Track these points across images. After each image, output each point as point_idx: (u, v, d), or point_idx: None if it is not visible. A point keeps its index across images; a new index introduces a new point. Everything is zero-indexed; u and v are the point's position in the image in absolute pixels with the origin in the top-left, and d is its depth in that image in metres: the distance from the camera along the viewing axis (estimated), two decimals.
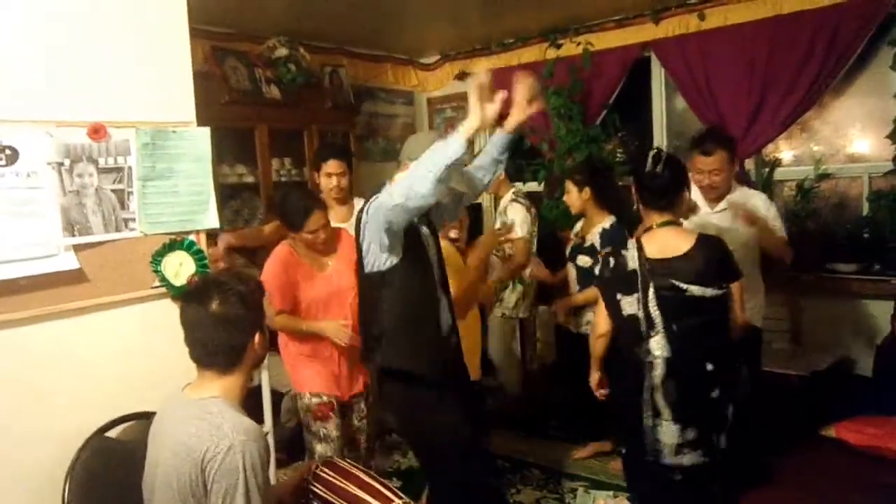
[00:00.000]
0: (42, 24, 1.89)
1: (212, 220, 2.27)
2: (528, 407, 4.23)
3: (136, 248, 2.09)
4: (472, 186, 2.54)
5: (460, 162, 1.91)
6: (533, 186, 4.95)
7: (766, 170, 4.18)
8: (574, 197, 3.41)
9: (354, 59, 5.01)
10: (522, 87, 2.28)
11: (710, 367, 2.32)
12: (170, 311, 2.17)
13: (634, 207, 2.55)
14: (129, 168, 2.06)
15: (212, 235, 2.66)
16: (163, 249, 2.14)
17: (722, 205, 3.02)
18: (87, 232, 1.97)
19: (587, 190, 3.36)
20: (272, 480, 2.39)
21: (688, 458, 2.34)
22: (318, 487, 1.93)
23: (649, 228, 2.42)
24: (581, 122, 4.67)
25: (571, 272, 3.49)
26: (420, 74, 5.57)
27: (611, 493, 3.18)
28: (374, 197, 2.18)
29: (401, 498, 1.87)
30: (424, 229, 2.36)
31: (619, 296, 2.41)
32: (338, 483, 1.90)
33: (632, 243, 2.44)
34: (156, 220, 2.13)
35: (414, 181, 1.94)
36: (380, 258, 2.23)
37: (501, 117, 2.10)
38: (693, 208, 2.95)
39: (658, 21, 4.35)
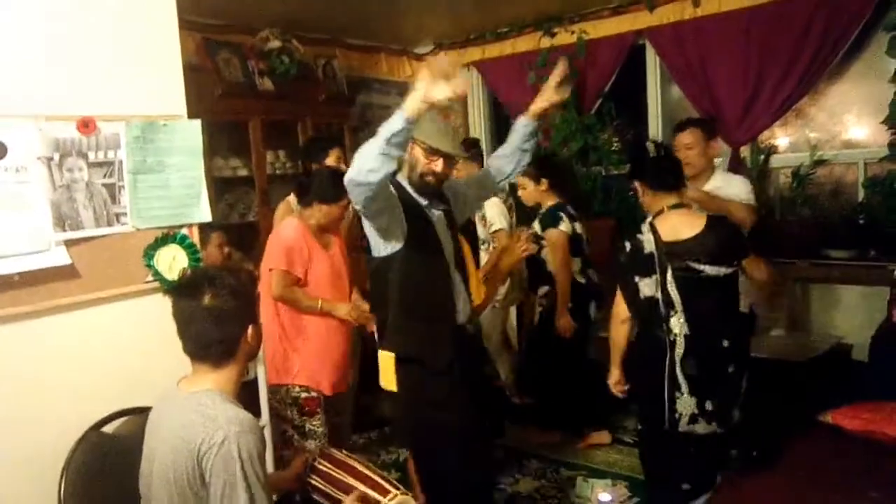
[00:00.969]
0: (30, 17, 1.87)
1: (204, 213, 2.25)
2: (523, 395, 4.24)
3: (128, 243, 2.08)
4: (494, 176, 2.54)
5: (402, 137, 1.92)
6: None
7: (762, 157, 4.17)
8: (530, 190, 3.61)
9: (348, 49, 4.98)
10: (556, 72, 2.31)
11: (725, 343, 2.45)
12: (163, 305, 2.14)
13: (640, 199, 2.65)
14: (120, 162, 2.04)
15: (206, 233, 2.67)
16: (155, 244, 2.12)
17: (707, 186, 3.12)
18: (79, 227, 1.96)
19: (544, 181, 3.56)
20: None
21: (701, 427, 2.46)
22: (316, 480, 1.92)
23: (660, 212, 2.52)
24: (576, 110, 4.66)
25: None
26: (414, 64, 5.53)
27: (609, 481, 3.19)
28: None
29: (399, 489, 1.86)
30: (436, 214, 2.34)
31: (636, 278, 2.51)
32: (336, 475, 1.90)
33: (646, 227, 2.52)
34: (147, 214, 2.11)
35: (361, 158, 1.96)
36: (379, 243, 2.24)
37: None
38: None
39: (653, 8, 4.33)
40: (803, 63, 3.84)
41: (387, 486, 1.87)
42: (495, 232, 3.86)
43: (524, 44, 4.92)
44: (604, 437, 3.67)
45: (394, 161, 1.98)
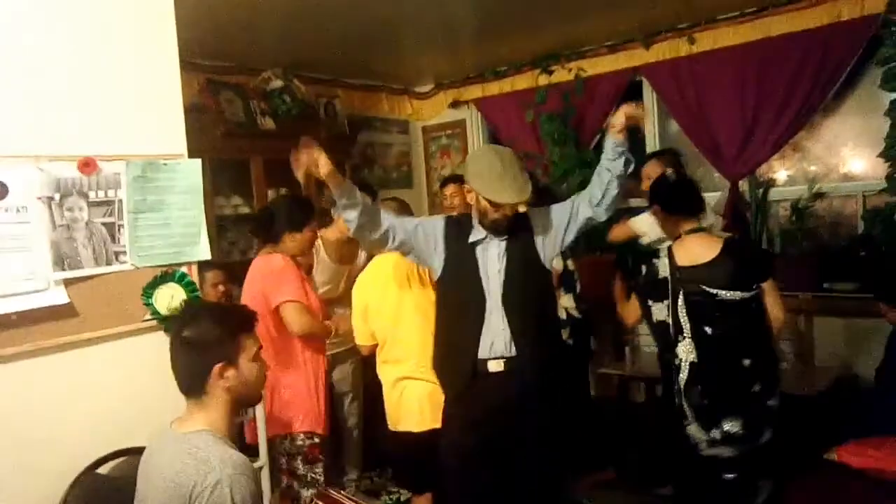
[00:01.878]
0: (31, 59, 1.91)
1: (203, 251, 2.26)
2: None
3: (127, 282, 2.08)
4: (591, 201, 2.43)
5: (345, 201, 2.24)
6: None
7: (760, 190, 4.18)
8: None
9: (349, 89, 5.05)
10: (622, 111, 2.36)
11: (746, 362, 2.44)
12: (162, 344, 2.14)
13: (665, 225, 2.71)
14: (120, 201, 2.06)
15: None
16: (154, 282, 2.13)
17: None
18: (78, 266, 1.97)
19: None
20: None
21: (723, 451, 2.45)
22: None
23: (678, 237, 2.57)
24: (575, 146, 4.70)
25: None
26: (415, 103, 5.61)
27: None
28: None
29: None
30: (491, 249, 2.35)
31: (650, 302, 2.61)
32: None
33: (663, 252, 2.60)
34: (147, 252, 2.12)
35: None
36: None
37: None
38: None
39: (649, 46, 4.39)
40: (799, 98, 3.88)
41: None
42: None
43: (522, 82, 4.99)
44: (608, 475, 3.61)
45: (355, 221, 2.22)
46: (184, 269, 2.21)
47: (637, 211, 3.46)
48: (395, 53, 4.52)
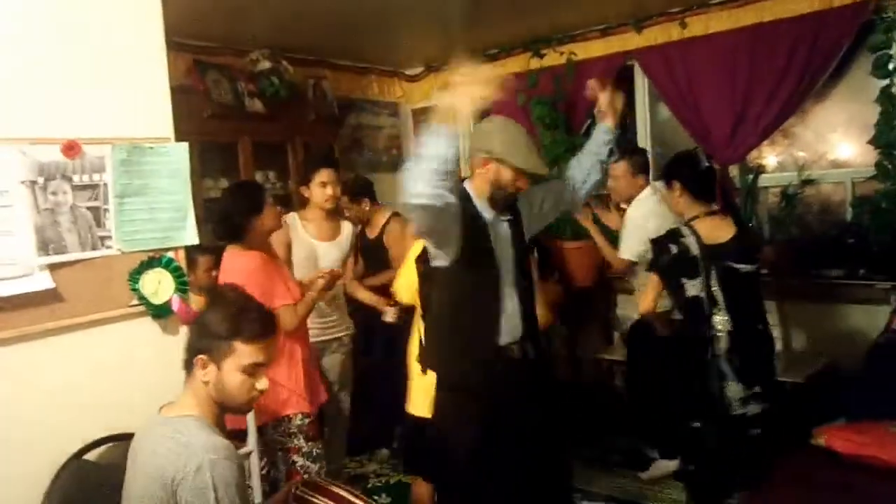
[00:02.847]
0: (13, 40, 1.87)
1: (191, 236, 2.24)
2: None
3: (112, 267, 2.05)
4: (571, 186, 2.43)
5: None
6: None
7: (750, 176, 4.19)
8: None
9: (338, 71, 4.99)
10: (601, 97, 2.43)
11: (760, 326, 2.79)
12: (149, 329, 2.14)
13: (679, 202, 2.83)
14: (105, 185, 2.03)
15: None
16: (140, 267, 2.10)
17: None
18: (63, 251, 1.94)
19: None
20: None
21: (752, 409, 2.70)
22: None
23: (693, 218, 2.75)
24: (565, 131, 4.68)
25: None
26: (405, 86, 5.56)
27: None
28: None
29: None
30: (502, 228, 2.25)
31: (683, 280, 2.69)
32: (319, 503, 1.86)
33: (687, 230, 2.72)
34: (133, 237, 2.09)
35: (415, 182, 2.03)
36: (435, 253, 2.20)
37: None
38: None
39: (641, 30, 4.36)
40: (790, 83, 3.87)
41: None
42: None
43: (514, 65, 4.94)
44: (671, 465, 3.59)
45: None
46: (171, 254, 2.19)
47: None
48: (385, 35, 4.46)
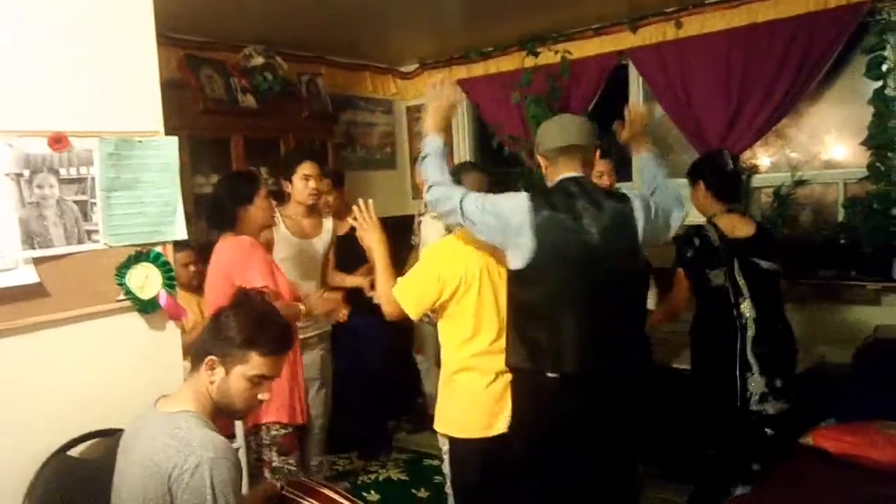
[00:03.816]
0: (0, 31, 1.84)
1: (179, 231, 2.21)
2: None
3: (99, 261, 2.03)
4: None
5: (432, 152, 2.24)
6: None
7: (744, 177, 4.19)
8: None
9: (332, 67, 4.98)
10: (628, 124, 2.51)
11: (779, 327, 2.86)
12: (135, 325, 2.12)
13: (693, 197, 2.96)
14: (93, 178, 2.00)
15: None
16: (128, 262, 2.07)
17: None
18: (48, 245, 1.92)
19: None
20: None
21: (772, 406, 2.77)
22: None
23: (713, 216, 2.88)
24: None
25: None
26: (399, 83, 5.55)
27: None
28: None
29: None
30: (592, 238, 2.10)
31: (707, 270, 2.81)
32: (304, 503, 1.85)
33: (708, 226, 2.86)
34: (120, 231, 2.07)
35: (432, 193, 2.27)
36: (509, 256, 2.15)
37: None
38: None
39: (635, 29, 4.36)
40: (784, 84, 3.87)
41: None
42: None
43: (508, 63, 4.94)
44: None
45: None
46: (159, 249, 2.16)
47: None
48: (379, 32, 4.45)
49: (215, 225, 2.68)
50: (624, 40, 4.44)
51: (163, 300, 2.13)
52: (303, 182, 3.14)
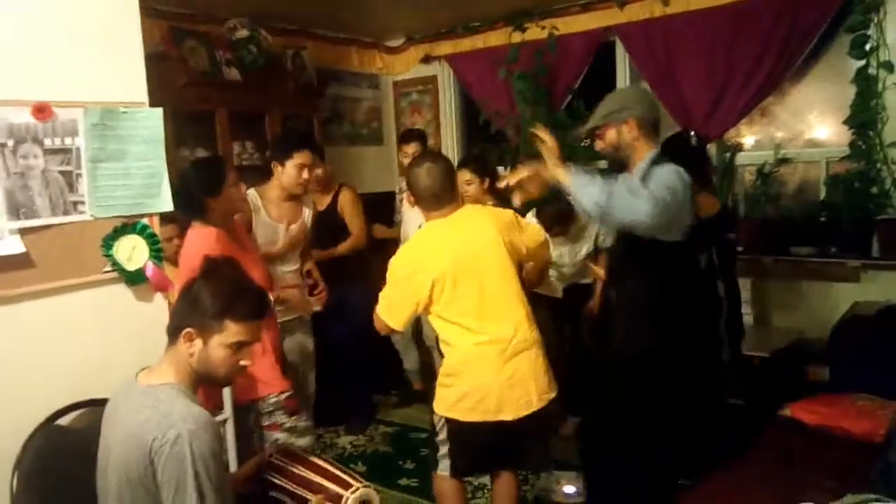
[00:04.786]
0: None
1: (165, 203, 2.21)
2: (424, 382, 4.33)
3: (85, 232, 2.03)
4: None
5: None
6: None
7: (728, 154, 4.22)
8: (475, 187, 3.38)
9: (318, 41, 4.93)
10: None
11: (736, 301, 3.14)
12: (122, 296, 2.13)
13: None
14: (78, 149, 2.00)
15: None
16: (114, 233, 2.08)
17: None
18: (34, 215, 1.91)
19: (487, 180, 3.41)
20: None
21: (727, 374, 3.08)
22: (273, 476, 1.90)
23: None
24: (546, 106, 4.67)
25: None
26: (385, 58, 5.51)
27: (574, 473, 3.20)
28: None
29: (361, 482, 1.85)
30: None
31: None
32: (294, 470, 1.87)
33: None
34: (106, 202, 2.06)
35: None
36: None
37: None
38: None
39: (623, 6, 4.36)
40: (769, 62, 3.89)
41: (349, 479, 1.85)
42: None
43: (495, 38, 4.92)
44: (569, 427, 3.68)
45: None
46: (145, 221, 2.16)
47: None
48: (365, 6, 4.41)
49: (184, 213, 2.58)
50: (611, 16, 4.43)
51: (149, 271, 2.13)
52: (296, 170, 3.07)
